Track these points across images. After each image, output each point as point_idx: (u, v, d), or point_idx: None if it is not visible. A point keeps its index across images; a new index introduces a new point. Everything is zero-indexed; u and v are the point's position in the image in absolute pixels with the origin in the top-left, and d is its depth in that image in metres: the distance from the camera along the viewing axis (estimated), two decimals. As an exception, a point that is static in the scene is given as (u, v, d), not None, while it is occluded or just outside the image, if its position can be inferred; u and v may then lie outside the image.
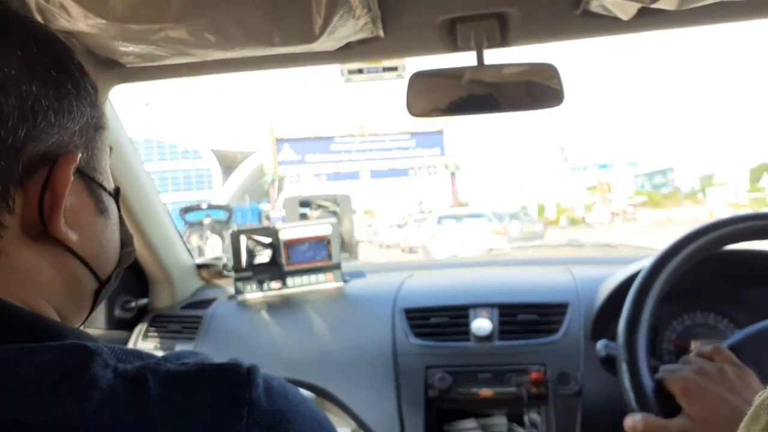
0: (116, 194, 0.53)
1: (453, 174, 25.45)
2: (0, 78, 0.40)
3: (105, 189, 0.50)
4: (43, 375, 0.37)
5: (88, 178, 0.48)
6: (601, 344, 1.04)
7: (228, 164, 31.24)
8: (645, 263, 1.02)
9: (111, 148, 0.54)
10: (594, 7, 0.85)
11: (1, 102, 0.40)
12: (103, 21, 0.86)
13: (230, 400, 0.39)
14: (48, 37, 0.47)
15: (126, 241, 0.54)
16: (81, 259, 0.48)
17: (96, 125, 0.49)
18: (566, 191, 37.11)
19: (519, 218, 21.51)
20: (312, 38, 0.88)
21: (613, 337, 1.02)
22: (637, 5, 0.80)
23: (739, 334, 0.95)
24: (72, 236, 0.45)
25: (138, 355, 0.41)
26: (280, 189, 24.23)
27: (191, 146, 32.54)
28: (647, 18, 0.87)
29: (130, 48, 0.95)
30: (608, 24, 0.92)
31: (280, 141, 23.88)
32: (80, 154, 0.46)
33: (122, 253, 0.54)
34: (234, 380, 0.40)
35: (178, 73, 1.11)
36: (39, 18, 0.85)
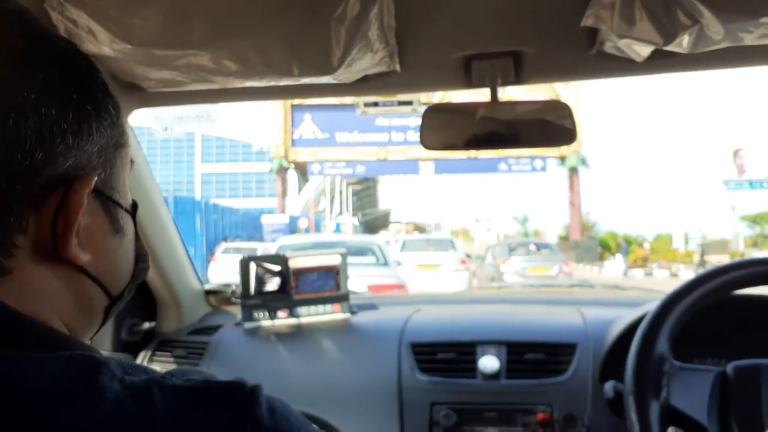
0: (133, 210, 0.53)
1: (574, 170, 16.21)
2: (20, 101, 0.40)
3: (122, 206, 0.51)
4: (53, 384, 0.37)
5: (104, 197, 0.48)
6: (609, 385, 1.02)
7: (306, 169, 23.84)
8: (653, 305, 1.02)
9: (132, 161, 0.54)
10: (608, 48, 0.87)
11: (19, 125, 0.40)
12: (128, 46, 0.88)
13: (234, 417, 0.40)
14: (73, 58, 0.46)
15: (140, 257, 0.54)
16: (93, 278, 0.48)
17: (116, 144, 0.49)
18: (733, 215, 25.06)
19: (526, 251, 14.35)
20: (330, 70, 0.90)
21: (621, 380, 1.01)
22: (651, 48, 0.81)
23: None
24: (84, 257, 0.45)
25: (144, 369, 0.42)
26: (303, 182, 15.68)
27: (266, 147, 24.40)
28: (661, 60, 0.88)
29: (153, 73, 0.97)
30: (622, 65, 0.94)
31: (297, 110, 15.58)
32: (97, 177, 0.46)
33: (136, 269, 0.54)
34: (238, 398, 0.41)
35: (198, 99, 1.14)
36: None
